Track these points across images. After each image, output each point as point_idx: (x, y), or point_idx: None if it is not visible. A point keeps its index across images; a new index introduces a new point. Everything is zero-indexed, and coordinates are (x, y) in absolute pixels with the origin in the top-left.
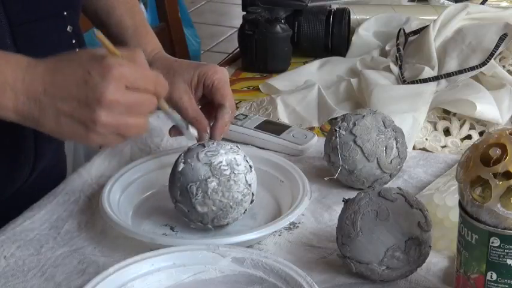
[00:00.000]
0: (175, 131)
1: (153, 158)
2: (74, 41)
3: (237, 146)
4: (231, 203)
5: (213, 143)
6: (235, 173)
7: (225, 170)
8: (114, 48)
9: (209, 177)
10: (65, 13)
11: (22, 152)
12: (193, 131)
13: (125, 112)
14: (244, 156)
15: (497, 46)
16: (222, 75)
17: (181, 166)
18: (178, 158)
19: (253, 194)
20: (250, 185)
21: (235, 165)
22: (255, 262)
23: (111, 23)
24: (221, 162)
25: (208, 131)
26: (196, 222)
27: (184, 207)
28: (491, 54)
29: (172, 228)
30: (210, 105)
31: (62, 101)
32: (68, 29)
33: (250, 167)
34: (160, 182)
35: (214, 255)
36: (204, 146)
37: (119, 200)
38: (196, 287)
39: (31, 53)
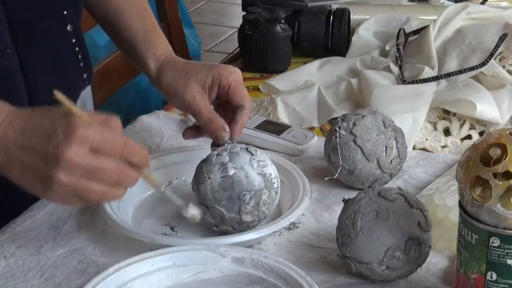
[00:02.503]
0: (189, 133)
1: (153, 158)
2: (73, 40)
3: (267, 155)
4: (267, 214)
5: (256, 151)
6: (279, 186)
7: (274, 183)
8: (76, 108)
9: (263, 189)
10: (65, 12)
11: None
12: (192, 210)
13: (85, 176)
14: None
15: (497, 46)
16: (237, 76)
17: (232, 171)
18: (219, 159)
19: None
20: (279, 196)
21: (278, 178)
22: (255, 262)
23: (121, 27)
24: (271, 174)
25: (227, 130)
26: (226, 227)
27: (224, 212)
28: (491, 54)
29: (172, 228)
30: (224, 106)
31: (26, 153)
32: (68, 28)
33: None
34: (160, 182)
35: (214, 255)
36: (252, 154)
37: (119, 200)
38: (196, 287)
39: (31, 52)
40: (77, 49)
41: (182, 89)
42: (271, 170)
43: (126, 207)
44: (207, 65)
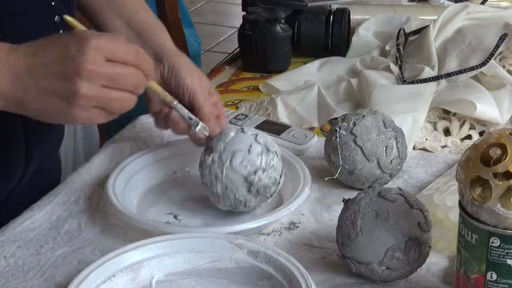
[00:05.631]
0: (160, 122)
1: (156, 149)
2: (61, 31)
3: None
4: (275, 192)
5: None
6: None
7: (278, 164)
8: (83, 27)
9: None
10: (53, 3)
11: (13, 148)
12: (200, 129)
13: (107, 84)
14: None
15: (497, 46)
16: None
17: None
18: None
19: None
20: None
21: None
22: (268, 258)
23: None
24: (274, 155)
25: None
26: (235, 207)
27: (239, 194)
28: (491, 54)
29: (175, 217)
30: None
31: (43, 78)
32: (55, 19)
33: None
34: (165, 172)
35: (232, 245)
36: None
37: (124, 190)
38: (211, 274)
39: (19, 42)
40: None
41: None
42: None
43: (131, 197)
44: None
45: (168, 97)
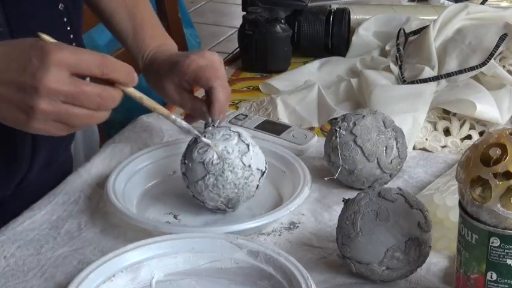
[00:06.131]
0: (189, 118)
1: (158, 148)
2: (65, 19)
3: (230, 130)
4: (236, 190)
5: (205, 136)
6: (228, 163)
7: (217, 164)
8: (50, 38)
9: (205, 176)
10: None
11: (18, 135)
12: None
13: (67, 101)
14: (239, 138)
15: (497, 46)
16: (201, 61)
17: (183, 168)
18: (181, 158)
19: (259, 169)
20: (250, 166)
21: (226, 155)
22: (268, 258)
23: (113, 30)
24: (212, 157)
25: (205, 111)
26: (215, 210)
27: (200, 201)
28: (491, 54)
29: (175, 217)
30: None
31: (3, 85)
32: (59, 6)
33: (247, 145)
34: (165, 171)
35: (232, 245)
36: (197, 142)
37: (124, 190)
38: (211, 274)
39: (23, 31)
40: (69, 28)
41: (160, 90)
42: (213, 152)
43: (131, 197)
44: (173, 62)
45: (164, 111)
